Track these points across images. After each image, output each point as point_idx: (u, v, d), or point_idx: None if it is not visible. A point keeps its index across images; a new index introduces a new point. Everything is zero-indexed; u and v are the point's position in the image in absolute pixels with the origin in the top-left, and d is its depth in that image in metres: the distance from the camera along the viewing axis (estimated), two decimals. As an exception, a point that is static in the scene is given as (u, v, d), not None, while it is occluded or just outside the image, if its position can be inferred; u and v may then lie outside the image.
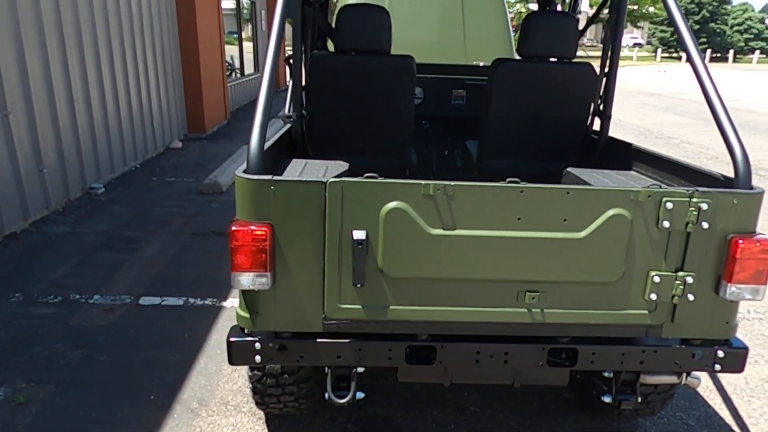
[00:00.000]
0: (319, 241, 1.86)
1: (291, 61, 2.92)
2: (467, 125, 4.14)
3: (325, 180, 1.81)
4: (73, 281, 4.02)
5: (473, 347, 1.99)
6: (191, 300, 3.80)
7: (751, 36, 48.67)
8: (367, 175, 1.84)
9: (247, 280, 1.86)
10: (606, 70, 3.04)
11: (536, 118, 3.06)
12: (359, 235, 1.82)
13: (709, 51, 43.45)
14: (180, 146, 8.50)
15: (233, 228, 1.82)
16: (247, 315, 1.96)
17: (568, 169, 2.90)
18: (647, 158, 2.76)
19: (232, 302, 3.77)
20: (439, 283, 1.90)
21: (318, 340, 1.97)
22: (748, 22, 48.60)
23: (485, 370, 2.18)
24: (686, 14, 42.65)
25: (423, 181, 1.81)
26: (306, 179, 1.83)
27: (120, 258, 4.44)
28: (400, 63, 2.98)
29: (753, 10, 50.59)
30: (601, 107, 3.08)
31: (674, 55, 45.22)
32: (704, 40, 46.07)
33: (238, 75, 13.50)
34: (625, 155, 2.90)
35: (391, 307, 1.91)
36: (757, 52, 46.54)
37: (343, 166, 2.82)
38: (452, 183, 1.82)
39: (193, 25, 8.74)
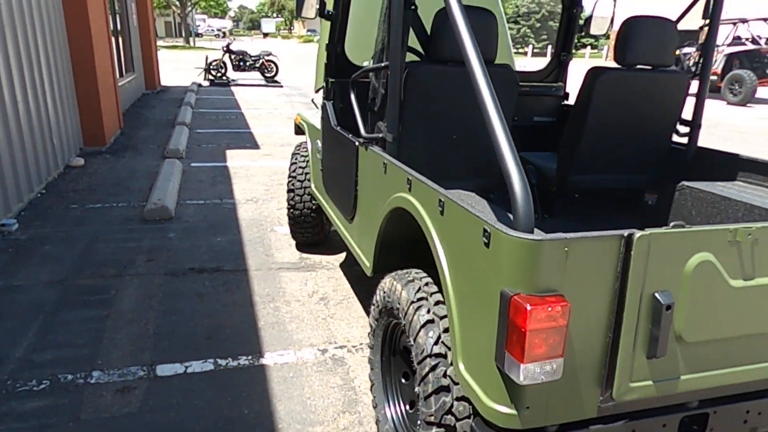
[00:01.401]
0: (610, 309, 1.49)
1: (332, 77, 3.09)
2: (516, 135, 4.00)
3: (626, 233, 1.44)
4: (50, 356, 3.11)
5: (743, 407, 1.74)
6: (221, 362, 3.12)
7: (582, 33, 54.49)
8: (674, 224, 1.49)
9: (537, 370, 1.42)
10: (698, 76, 2.94)
11: (627, 129, 2.88)
12: (665, 297, 1.47)
13: (549, 47, 47.36)
14: (82, 163, 7.24)
15: (527, 307, 1.37)
16: (511, 411, 1.52)
17: (687, 184, 2.75)
18: (751, 166, 2.68)
19: (273, 358, 3.16)
20: (731, 342, 1.61)
21: (591, 427, 1.59)
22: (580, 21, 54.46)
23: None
24: (528, 13, 45.69)
25: (730, 226, 1.51)
26: (604, 234, 1.44)
27: (95, 316, 3.55)
28: (503, 73, 2.62)
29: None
30: (692, 116, 2.98)
31: (520, 51, 48.63)
32: (545, 37, 50.13)
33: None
34: (721, 164, 2.81)
35: (683, 377, 1.59)
36: (588, 47, 51.92)
37: (470, 196, 2.42)
38: (756, 225, 1.53)
39: (84, 15, 7.44)
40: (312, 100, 5.20)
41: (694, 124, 2.97)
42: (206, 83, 17.38)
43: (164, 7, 52.44)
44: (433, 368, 1.88)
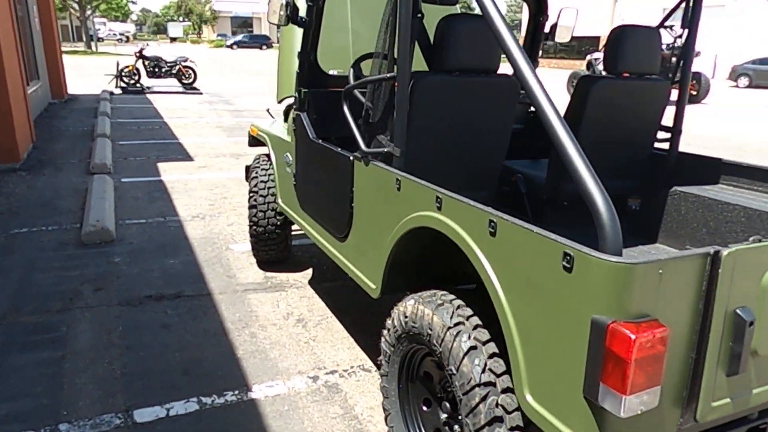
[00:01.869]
0: (693, 329, 1.44)
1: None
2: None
3: (713, 251, 1.40)
4: (5, 411, 2.71)
5: None
6: (205, 400, 2.85)
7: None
8: (753, 238, 1.47)
9: (637, 401, 1.35)
10: (678, 82, 3.03)
11: (616, 136, 2.92)
12: (746, 313, 1.45)
13: None
14: (-5, 182, 6.53)
15: (631, 335, 1.30)
16: None
17: (679, 188, 2.82)
18: (733, 169, 2.79)
19: (262, 391, 2.93)
20: None
21: None
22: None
23: None
24: None
25: None
26: (692, 253, 1.39)
27: (49, 358, 3.15)
28: (507, 83, 2.56)
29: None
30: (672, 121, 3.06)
31: None
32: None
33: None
34: (703, 169, 2.91)
35: (754, 391, 1.58)
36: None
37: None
38: None
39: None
40: (267, 110, 4.89)
41: (676, 130, 3.06)
42: (118, 91, 16.34)
43: (60, 10, 48.99)
44: (484, 398, 1.78)
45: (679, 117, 3.06)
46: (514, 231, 1.62)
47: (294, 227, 4.22)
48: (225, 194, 6.52)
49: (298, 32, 3.62)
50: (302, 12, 3.20)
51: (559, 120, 1.53)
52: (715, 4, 28.99)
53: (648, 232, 3.02)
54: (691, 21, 2.97)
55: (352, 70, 3.00)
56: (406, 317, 2.15)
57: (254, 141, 4.33)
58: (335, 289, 4.12)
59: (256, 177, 4.02)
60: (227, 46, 56.82)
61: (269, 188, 3.94)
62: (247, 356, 3.24)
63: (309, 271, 4.43)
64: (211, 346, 3.33)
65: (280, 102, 3.97)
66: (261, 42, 57.46)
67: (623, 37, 2.73)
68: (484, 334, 1.88)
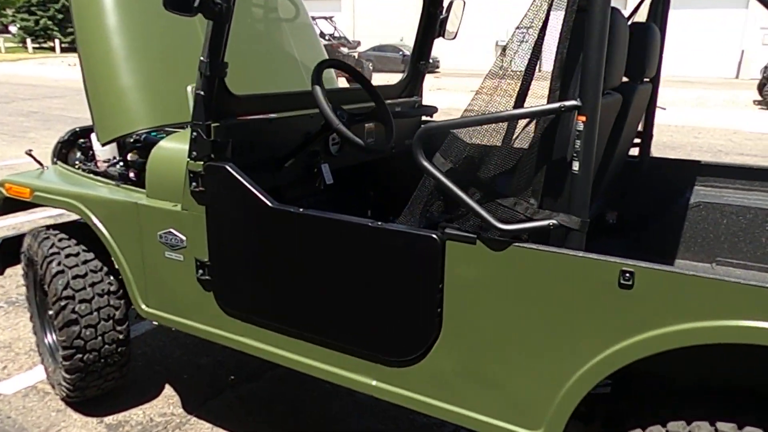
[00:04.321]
0: None
1: None
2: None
3: None
4: None
5: None
6: None
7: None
8: None
9: None
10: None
11: (608, 147, 2.31)
12: None
13: None
14: None
15: None
16: None
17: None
18: (710, 170, 2.48)
19: None
20: None
21: None
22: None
23: None
24: (45, 3, 36.41)
25: None
26: None
27: None
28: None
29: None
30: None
31: (45, 45, 38.45)
32: (72, 30, 44.84)
33: None
34: (677, 172, 2.53)
35: None
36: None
37: None
38: None
39: None
40: (29, 153, 3.04)
41: (648, 135, 2.61)
42: None
43: None
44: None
45: (650, 121, 2.61)
46: None
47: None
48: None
49: (121, 25, 2.52)
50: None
51: None
52: None
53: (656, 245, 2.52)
54: (660, 15, 2.40)
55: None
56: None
57: (11, 205, 2.80)
58: (235, 407, 2.81)
59: (64, 272, 2.43)
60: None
61: (109, 286, 2.51)
62: None
63: (169, 393, 2.86)
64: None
65: (106, 144, 2.64)
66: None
67: (641, 37, 2.10)
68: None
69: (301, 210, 1.83)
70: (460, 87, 18.44)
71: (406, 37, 28.75)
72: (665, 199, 2.55)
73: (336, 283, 1.83)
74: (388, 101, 3.06)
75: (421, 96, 3.29)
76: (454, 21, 3.05)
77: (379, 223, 1.70)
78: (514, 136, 1.60)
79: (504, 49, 1.64)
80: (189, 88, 2.51)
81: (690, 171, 2.53)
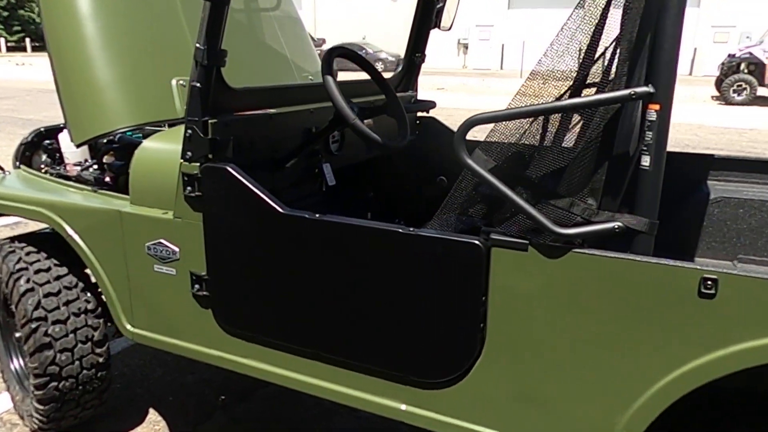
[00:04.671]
0: None
1: None
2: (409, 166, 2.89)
3: None
4: None
5: None
6: None
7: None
8: None
9: None
10: None
11: None
12: None
13: (28, 39, 38.18)
14: None
15: None
16: None
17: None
18: (726, 164, 2.38)
19: None
20: None
21: None
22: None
23: None
24: None
25: None
26: None
27: None
28: None
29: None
30: None
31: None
32: (19, 28, 40.80)
33: None
34: (691, 167, 2.43)
35: None
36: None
37: None
38: None
39: None
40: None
41: None
42: None
43: None
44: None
45: None
46: None
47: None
48: None
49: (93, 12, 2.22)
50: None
51: None
52: None
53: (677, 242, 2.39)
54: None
55: None
56: None
57: None
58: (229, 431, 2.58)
59: (34, 290, 2.13)
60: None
61: (86, 304, 2.22)
62: None
63: (154, 419, 2.58)
64: None
65: (81, 145, 2.37)
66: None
67: None
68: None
69: (317, 216, 1.62)
70: (426, 85, 18.35)
71: (369, 36, 28.59)
72: (682, 195, 2.45)
73: (360, 297, 1.63)
74: (383, 97, 2.87)
75: (416, 90, 3.11)
76: (449, 12, 2.90)
77: (411, 229, 1.51)
78: (568, 129, 1.43)
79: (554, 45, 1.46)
80: (174, 82, 2.26)
81: (704, 165, 2.42)
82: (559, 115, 1.44)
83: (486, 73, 26.67)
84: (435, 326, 1.53)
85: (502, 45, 29.42)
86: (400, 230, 1.51)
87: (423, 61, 3.04)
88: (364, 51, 24.66)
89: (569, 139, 1.41)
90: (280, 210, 1.66)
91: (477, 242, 1.42)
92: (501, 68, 29.70)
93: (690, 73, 26.08)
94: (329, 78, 1.79)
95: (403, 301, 1.56)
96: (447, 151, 2.83)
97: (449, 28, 2.93)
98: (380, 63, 24.49)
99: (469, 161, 1.36)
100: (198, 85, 1.69)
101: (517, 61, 26.62)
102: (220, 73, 1.76)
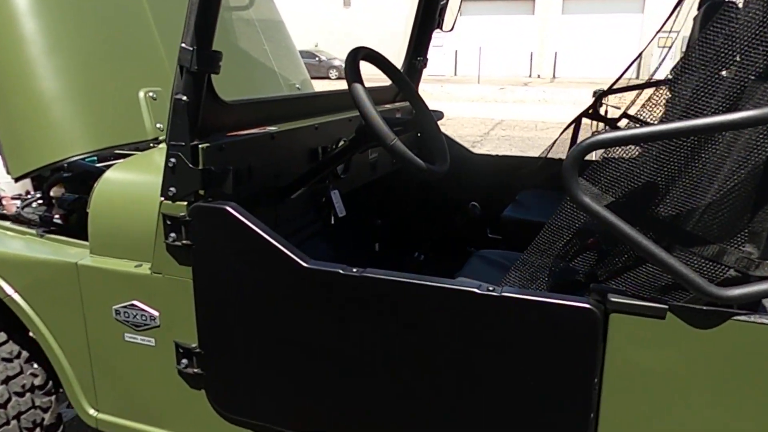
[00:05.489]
0: None
1: None
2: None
3: None
4: None
5: None
6: None
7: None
8: None
9: None
10: None
11: None
12: None
13: None
14: None
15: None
16: None
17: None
18: None
19: None
20: None
21: None
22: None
23: None
24: None
25: None
26: None
27: None
28: None
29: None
30: None
31: None
32: None
33: None
34: None
35: None
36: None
37: None
38: None
39: None
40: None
41: None
42: None
43: None
44: None
45: None
46: None
47: None
48: None
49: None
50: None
51: None
52: None
53: None
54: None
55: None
56: None
57: None
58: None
59: None
60: None
61: (15, 381, 1.70)
62: None
63: None
64: None
65: (19, 179, 1.88)
66: None
67: None
68: None
69: (354, 270, 1.21)
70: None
71: (321, 43, 28.12)
72: None
73: (423, 380, 1.22)
74: (385, 106, 2.49)
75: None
76: (452, 12, 2.59)
77: (491, 288, 1.12)
78: (711, 155, 1.07)
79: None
80: (142, 93, 1.80)
81: None
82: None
83: (441, 79, 26.68)
84: (526, 414, 1.14)
85: (456, 51, 29.57)
86: (477, 290, 1.12)
87: (425, 65, 2.68)
88: (317, 59, 24.17)
89: (713, 165, 1.05)
90: (304, 264, 1.24)
91: (590, 306, 1.05)
92: (455, 74, 29.81)
93: (637, 77, 26.65)
94: (358, 87, 1.39)
95: (482, 381, 1.17)
96: (462, 170, 2.47)
97: (451, 29, 2.61)
98: (334, 71, 24.03)
99: (586, 200, 0.99)
100: (184, 98, 1.26)
101: (470, 67, 26.74)
102: (211, 82, 1.33)
